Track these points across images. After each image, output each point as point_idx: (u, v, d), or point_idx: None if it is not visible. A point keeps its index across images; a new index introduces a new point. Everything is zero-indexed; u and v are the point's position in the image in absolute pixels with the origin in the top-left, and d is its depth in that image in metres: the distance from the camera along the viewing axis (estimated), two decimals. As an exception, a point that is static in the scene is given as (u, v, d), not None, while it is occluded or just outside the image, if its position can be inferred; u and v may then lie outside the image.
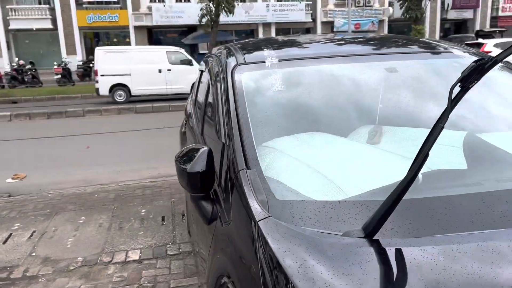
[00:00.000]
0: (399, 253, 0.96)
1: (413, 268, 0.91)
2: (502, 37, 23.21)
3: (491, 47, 12.22)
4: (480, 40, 15.03)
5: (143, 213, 4.36)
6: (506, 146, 1.42)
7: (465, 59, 1.95)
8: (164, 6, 29.36)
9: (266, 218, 1.10)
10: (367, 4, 32.18)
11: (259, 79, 1.81)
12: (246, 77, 1.79)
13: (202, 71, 3.28)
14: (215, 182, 1.56)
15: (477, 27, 33.36)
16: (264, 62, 1.88)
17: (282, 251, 0.99)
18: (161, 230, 3.92)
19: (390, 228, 1.02)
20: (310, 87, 1.77)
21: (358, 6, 30.16)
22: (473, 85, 0.93)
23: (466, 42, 15.14)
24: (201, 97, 2.89)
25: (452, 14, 33.79)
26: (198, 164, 1.50)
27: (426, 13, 19.66)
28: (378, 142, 1.63)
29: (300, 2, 31.94)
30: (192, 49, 30.62)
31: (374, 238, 1.00)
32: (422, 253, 0.95)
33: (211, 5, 17.55)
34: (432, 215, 1.07)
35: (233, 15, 17.84)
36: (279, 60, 1.87)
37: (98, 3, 29.53)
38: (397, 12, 31.03)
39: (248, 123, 1.52)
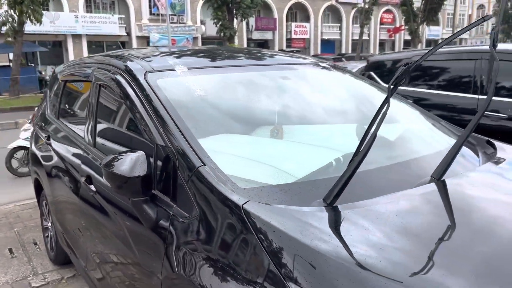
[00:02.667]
0: (351, 212, 1.26)
1: (365, 220, 1.22)
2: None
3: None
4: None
5: (-19, 249, 3.71)
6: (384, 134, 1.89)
7: (331, 69, 2.44)
8: None
9: (247, 202, 1.25)
10: (180, 21, 33.31)
11: (175, 85, 1.90)
12: (162, 83, 1.86)
13: (64, 82, 3.07)
14: (153, 185, 1.59)
15: (277, 47, 38.17)
16: (173, 70, 1.98)
17: (276, 222, 1.17)
18: (14, 264, 3.42)
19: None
20: (222, 92, 1.96)
21: (172, 23, 30.92)
22: (403, 81, 1.30)
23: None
24: (77, 108, 2.72)
25: (256, 35, 37.79)
26: (138, 168, 1.52)
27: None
28: (281, 138, 1.94)
29: (112, 15, 30.99)
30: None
31: (334, 205, 1.27)
32: (367, 209, 1.27)
33: (12, 12, 15.52)
34: (361, 185, 1.40)
35: (40, 24, 16.15)
36: (188, 68, 2.00)
37: None
38: (209, 30, 33.13)
39: (186, 125, 1.62)
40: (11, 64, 20.94)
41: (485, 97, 4.00)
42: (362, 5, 33.33)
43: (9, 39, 16.41)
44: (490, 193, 1.49)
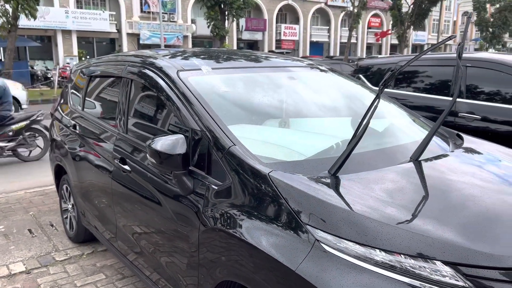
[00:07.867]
0: (349, 179, 1.67)
1: (359, 184, 1.64)
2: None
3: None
4: None
5: (2, 229, 4.03)
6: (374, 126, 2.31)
7: (328, 72, 2.86)
8: None
9: (272, 171, 1.65)
10: (171, 20, 33.49)
11: (202, 82, 2.28)
12: (192, 80, 2.24)
13: (90, 77, 3.42)
14: (190, 162, 1.98)
15: (266, 48, 38.62)
16: (200, 69, 2.36)
17: (294, 184, 1.57)
18: (36, 242, 3.76)
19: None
20: (240, 89, 2.36)
21: (163, 21, 31.09)
22: (390, 83, 1.72)
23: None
24: (105, 100, 3.08)
25: (246, 35, 38.17)
26: (180, 147, 1.90)
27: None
28: (288, 128, 2.35)
29: (103, 12, 31.02)
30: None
31: (336, 175, 1.68)
32: (360, 178, 1.69)
33: (7, 6, 15.62)
34: (356, 162, 1.81)
35: (35, 19, 16.28)
36: (212, 68, 2.39)
37: None
38: (200, 29, 33.40)
39: (216, 114, 2.01)
40: (3, 58, 20.96)
41: (465, 100, 4.46)
42: (351, 8, 33.99)
43: (5, 33, 16.48)
44: (455, 170, 1.93)
